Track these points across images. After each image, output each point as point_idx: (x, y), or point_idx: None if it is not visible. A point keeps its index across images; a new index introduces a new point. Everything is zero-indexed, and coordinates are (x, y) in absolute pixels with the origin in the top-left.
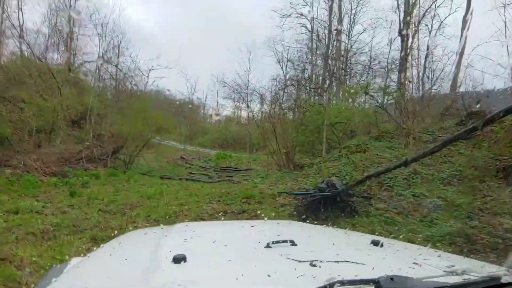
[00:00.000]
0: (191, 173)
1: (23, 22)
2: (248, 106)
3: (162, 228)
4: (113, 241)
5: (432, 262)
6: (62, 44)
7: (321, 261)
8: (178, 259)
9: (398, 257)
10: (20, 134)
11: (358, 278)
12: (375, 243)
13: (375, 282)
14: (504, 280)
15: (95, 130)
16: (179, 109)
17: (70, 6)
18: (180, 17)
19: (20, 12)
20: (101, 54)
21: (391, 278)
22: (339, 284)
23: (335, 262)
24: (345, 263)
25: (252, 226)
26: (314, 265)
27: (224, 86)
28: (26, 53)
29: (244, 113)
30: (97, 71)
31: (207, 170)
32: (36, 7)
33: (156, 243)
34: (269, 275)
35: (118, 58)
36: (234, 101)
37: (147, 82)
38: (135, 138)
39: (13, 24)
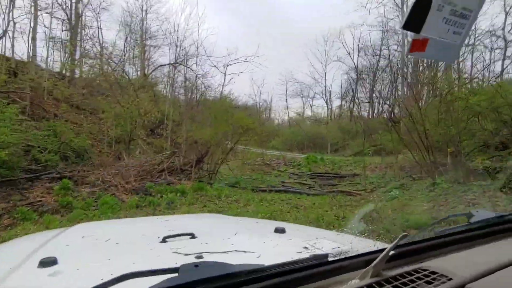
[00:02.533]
0: (284, 182)
1: (102, 39)
2: (326, 103)
3: (56, 230)
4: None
5: (321, 245)
6: (135, 56)
7: (209, 253)
8: (46, 263)
9: (292, 243)
10: (100, 146)
11: (158, 268)
12: (278, 230)
13: (176, 270)
14: (331, 258)
15: (172, 138)
16: (247, 112)
17: (142, 20)
18: (235, 24)
19: (99, 30)
20: (172, 61)
21: (196, 265)
22: (134, 276)
23: (223, 252)
24: (233, 253)
25: (163, 221)
26: (199, 257)
27: (294, 84)
28: (105, 66)
29: (309, 112)
30: (169, 78)
31: (301, 177)
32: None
33: (41, 245)
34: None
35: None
36: (303, 99)
37: (224, 81)
38: (219, 143)
39: (94, 44)
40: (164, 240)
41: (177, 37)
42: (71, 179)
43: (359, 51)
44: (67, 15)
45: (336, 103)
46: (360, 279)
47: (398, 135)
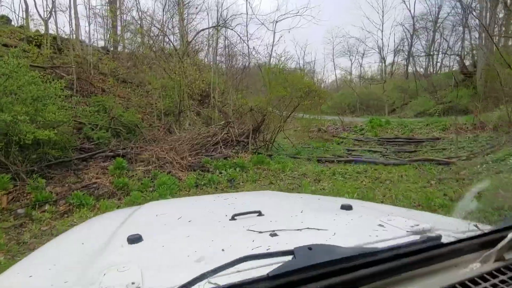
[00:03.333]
0: (350, 150)
1: (141, 10)
2: (383, 59)
3: (130, 209)
4: (82, 225)
5: (397, 222)
6: (175, 24)
7: (282, 230)
8: (133, 239)
9: (364, 220)
10: (150, 119)
11: (273, 250)
12: (345, 207)
13: (291, 253)
14: (445, 240)
15: (219, 108)
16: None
17: None
18: None
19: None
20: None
21: (309, 248)
22: (250, 259)
23: (296, 230)
24: (306, 230)
25: (225, 199)
26: (274, 235)
27: (341, 42)
28: (146, 37)
29: (357, 72)
30: (212, 42)
31: (368, 144)
32: None
33: (121, 223)
34: (223, 250)
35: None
36: (351, 58)
37: (273, 40)
38: (277, 108)
39: (133, 17)
40: (233, 217)
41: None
42: (125, 157)
43: None
44: None
45: (388, 59)
46: (481, 263)
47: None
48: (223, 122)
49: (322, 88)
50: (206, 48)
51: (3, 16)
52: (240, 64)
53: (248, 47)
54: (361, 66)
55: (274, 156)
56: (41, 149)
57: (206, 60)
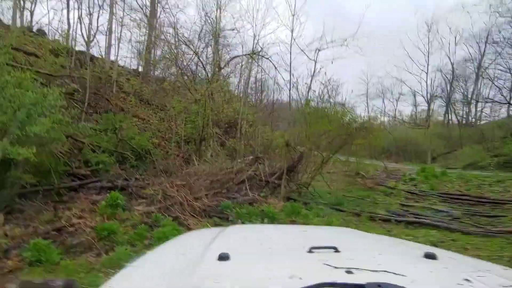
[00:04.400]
0: (404, 205)
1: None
2: (428, 103)
3: (217, 229)
4: (179, 238)
5: (488, 280)
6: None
7: (357, 269)
8: (223, 257)
9: (449, 272)
10: (168, 146)
11: (346, 282)
12: (429, 255)
13: (362, 287)
14: None
15: (245, 141)
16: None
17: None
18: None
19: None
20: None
21: (379, 285)
22: (327, 285)
23: (373, 271)
24: (383, 273)
25: (303, 231)
26: (349, 272)
27: (376, 83)
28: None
29: (386, 117)
30: (245, 70)
31: (425, 199)
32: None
33: (210, 241)
34: (300, 278)
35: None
36: (384, 101)
37: (313, 71)
38: (318, 146)
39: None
40: (310, 250)
41: (255, 25)
42: (125, 190)
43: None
44: (146, 15)
45: (423, 105)
46: None
47: None
48: (251, 157)
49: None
50: (238, 78)
51: (39, 30)
52: (273, 96)
53: (290, 77)
54: (395, 109)
55: (311, 205)
56: (11, 172)
57: (236, 91)
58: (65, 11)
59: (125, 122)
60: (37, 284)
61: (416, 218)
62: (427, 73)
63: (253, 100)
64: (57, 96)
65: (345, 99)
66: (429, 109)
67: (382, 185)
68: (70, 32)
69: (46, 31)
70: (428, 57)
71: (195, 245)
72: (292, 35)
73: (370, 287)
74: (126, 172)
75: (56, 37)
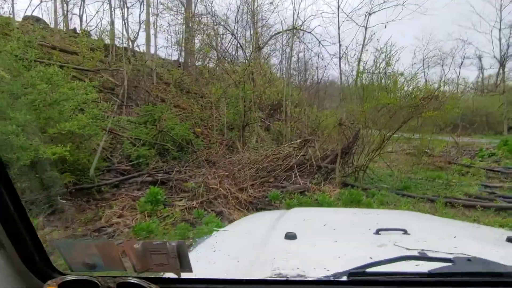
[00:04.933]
0: (487, 187)
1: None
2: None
3: (281, 210)
4: (243, 219)
5: None
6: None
7: (432, 251)
8: (290, 236)
9: None
10: (211, 135)
11: (434, 255)
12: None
13: (450, 260)
14: None
15: (292, 123)
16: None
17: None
18: None
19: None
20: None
21: (469, 259)
22: (410, 259)
23: (449, 253)
24: (461, 256)
25: (366, 214)
26: (423, 254)
27: (434, 49)
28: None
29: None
30: (287, 47)
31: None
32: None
33: (274, 222)
34: (371, 258)
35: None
36: (443, 68)
37: (364, 39)
38: (375, 122)
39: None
40: (377, 232)
41: None
42: (166, 184)
43: None
44: (182, 4)
45: (488, 70)
46: None
47: None
48: (300, 140)
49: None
50: (280, 58)
51: (84, 31)
52: (317, 74)
53: (339, 48)
54: (458, 76)
55: (372, 191)
56: (49, 172)
57: (278, 72)
58: (107, 12)
59: (165, 113)
60: (156, 244)
61: (509, 202)
62: (500, 29)
63: (297, 80)
64: (90, 90)
65: (403, 69)
66: (503, 71)
67: (454, 163)
68: (109, 29)
69: (93, 33)
70: (501, 11)
71: (260, 225)
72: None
73: (459, 261)
74: (167, 164)
75: (99, 36)
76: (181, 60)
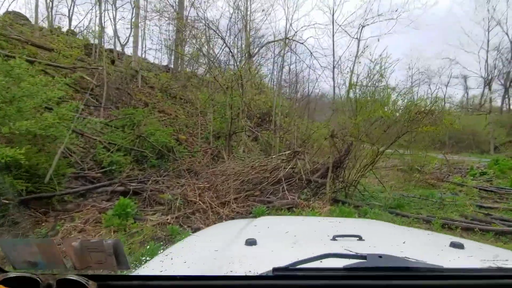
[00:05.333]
0: (482, 207)
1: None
2: (488, 85)
3: (250, 219)
4: (212, 227)
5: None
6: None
7: (330, 254)
8: (250, 242)
9: (472, 260)
10: (195, 143)
11: (349, 253)
12: (455, 245)
13: (363, 257)
14: None
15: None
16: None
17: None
18: None
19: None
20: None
21: (380, 256)
22: (331, 256)
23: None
24: (373, 254)
25: (330, 222)
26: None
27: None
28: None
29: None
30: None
31: (508, 199)
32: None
33: (240, 229)
34: (321, 262)
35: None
36: (430, 87)
37: (357, 51)
38: (369, 136)
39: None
40: (334, 238)
41: (287, 7)
42: (140, 195)
43: None
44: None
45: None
46: None
47: None
48: (289, 151)
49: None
50: (271, 69)
51: (70, 31)
52: (308, 86)
53: (333, 59)
54: (445, 96)
55: (364, 209)
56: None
57: (270, 83)
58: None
59: (147, 117)
60: (93, 242)
61: (509, 226)
62: (487, 50)
63: (288, 91)
64: (59, 87)
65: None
66: (490, 90)
67: (446, 181)
68: (97, 29)
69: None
70: (488, 31)
71: (226, 233)
72: (333, 11)
73: (371, 258)
74: (144, 173)
75: (85, 36)
76: (171, 66)
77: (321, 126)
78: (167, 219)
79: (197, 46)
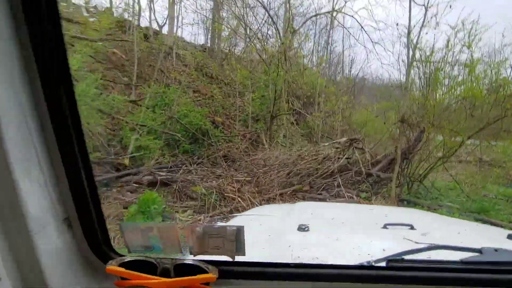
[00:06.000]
0: None
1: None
2: None
3: (287, 204)
4: (250, 212)
5: None
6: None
7: (441, 245)
8: (302, 228)
9: None
10: (232, 126)
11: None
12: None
13: (478, 250)
14: None
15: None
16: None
17: None
18: None
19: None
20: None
21: (495, 250)
22: (443, 248)
23: (453, 246)
24: (488, 247)
25: (371, 210)
26: (431, 248)
27: None
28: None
29: None
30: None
31: None
32: None
33: (284, 215)
34: (384, 249)
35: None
36: None
37: (423, 19)
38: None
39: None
40: (385, 226)
41: None
42: (169, 186)
43: None
44: None
45: None
46: None
47: None
48: (344, 139)
49: None
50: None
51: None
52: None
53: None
54: None
55: (440, 212)
56: None
57: (310, 64)
58: None
59: (179, 97)
60: (216, 228)
61: None
62: None
63: (333, 71)
64: (80, 58)
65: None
66: None
67: None
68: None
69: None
70: None
71: (270, 218)
72: None
73: (487, 251)
74: (175, 159)
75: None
76: (208, 45)
77: (384, 107)
78: (199, 220)
79: (236, 15)
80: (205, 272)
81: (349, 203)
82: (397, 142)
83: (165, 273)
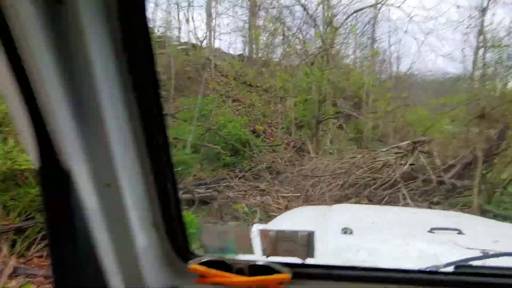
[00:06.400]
0: None
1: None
2: None
3: (325, 207)
4: (284, 215)
5: None
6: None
7: (494, 252)
8: (346, 231)
9: None
10: (274, 134)
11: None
12: None
13: None
14: None
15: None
16: None
17: None
18: None
19: None
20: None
21: None
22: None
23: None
24: None
25: (413, 213)
26: (486, 254)
27: None
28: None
29: None
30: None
31: None
32: None
33: (322, 218)
34: (434, 254)
35: None
36: None
37: (487, 3)
38: None
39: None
40: (431, 230)
41: None
42: (209, 204)
43: None
44: None
45: None
46: None
47: None
48: (406, 142)
49: None
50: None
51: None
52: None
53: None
54: None
55: None
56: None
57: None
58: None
59: (218, 107)
60: (288, 233)
61: None
62: None
63: (380, 68)
64: None
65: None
66: None
67: None
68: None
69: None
70: None
71: (306, 221)
72: None
73: None
74: (216, 174)
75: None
76: (246, 54)
77: (449, 101)
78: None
79: (274, 14)
80: (278, 272)
81: (389, 206)
82: (473, 143)
83: (240, 272)
